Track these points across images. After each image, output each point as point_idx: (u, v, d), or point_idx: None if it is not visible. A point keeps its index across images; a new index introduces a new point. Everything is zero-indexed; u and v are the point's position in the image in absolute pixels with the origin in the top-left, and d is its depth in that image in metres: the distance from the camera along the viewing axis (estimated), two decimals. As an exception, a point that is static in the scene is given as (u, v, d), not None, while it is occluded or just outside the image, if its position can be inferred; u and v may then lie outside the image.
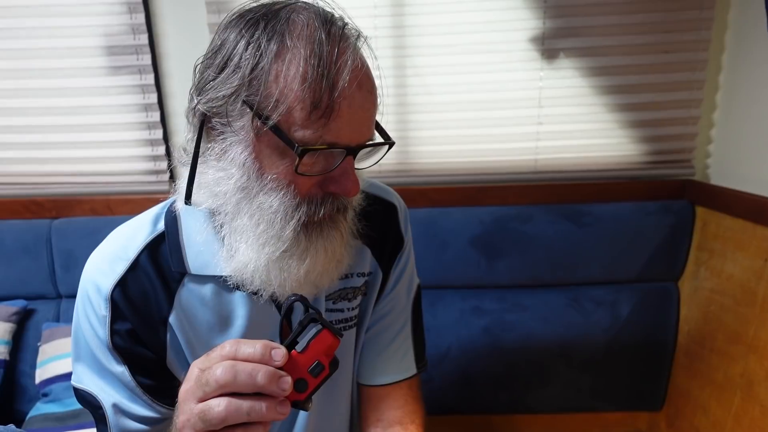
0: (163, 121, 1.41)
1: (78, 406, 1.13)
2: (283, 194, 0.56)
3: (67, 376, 1.27)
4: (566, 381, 1.32)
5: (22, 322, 1.37)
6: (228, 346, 0.48)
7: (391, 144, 0.61)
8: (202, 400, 0.47)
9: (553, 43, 1.33)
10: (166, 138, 1.42)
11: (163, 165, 1.43)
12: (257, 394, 0.46)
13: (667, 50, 1.33)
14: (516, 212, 1.33)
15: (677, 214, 1.31)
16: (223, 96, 0.55)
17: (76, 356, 0.66)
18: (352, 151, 0.56)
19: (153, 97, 1.38)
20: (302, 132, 0.53)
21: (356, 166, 0.59)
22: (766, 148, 1.16)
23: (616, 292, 1.32)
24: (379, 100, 0.59)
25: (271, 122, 0.53)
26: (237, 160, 0.56)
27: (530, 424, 1.39)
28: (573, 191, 1.35)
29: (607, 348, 1.31)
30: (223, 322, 0.66)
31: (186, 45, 1.37)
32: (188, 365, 0.65)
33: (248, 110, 0.54)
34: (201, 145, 0.59)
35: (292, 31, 0.53)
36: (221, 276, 0.63)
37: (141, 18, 1.34)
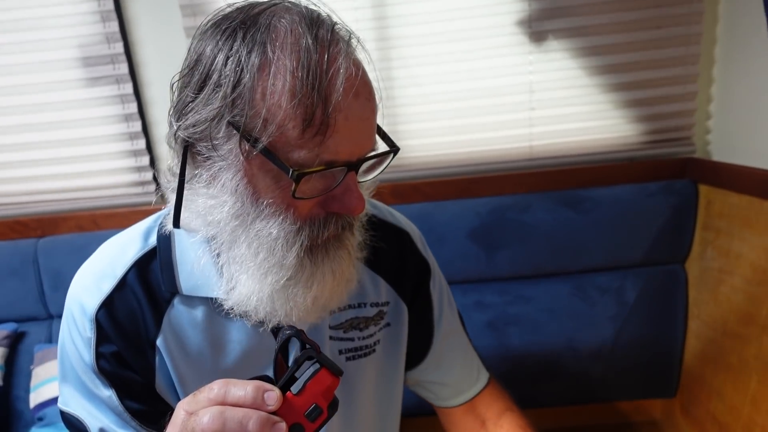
0: (146, 130, 1.38)
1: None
2: (282, 219, 0.51)
3: (62, 399, 1.23)
4: (575, 373, 1.28)
5: (14, 345, 1.33)
6: (216, 388, 0.44)
7: (396, 150, 0.56)
8: None
9: (541, 25, 1.29)
10: (149, 148, 1.38)
11: (149, 175, 1.39)
12: None
13: (660, 26, 1.28)
14: (513, 201, 1.28)
15: (680, 194, 1.27)
16: (206, 119, 0.49)
17: (62, 377, 0.63)
18: (354, 166, 0.51)
19: (133, 107, 1.34)
20: (297, 153, 0.48)
21: (359, 179, 0.54)
22: (764, 118, 1.11)
23: (621, 278, 1.28)
24: (378, 103, 0.54)
25: (260, 145, 0.48)
26: (228, 186, 0.51)
27: (540, 418, 1.34)
28: (571, 176, 1.31)
29: (616, 336, 1.27)
30: (215, 347, 0.62)
31: (163, 51, 1.33)
32: (177, 390, 0.63)
33: (235, 132, 0.49)
34: (187, 171, 0.54)
35: (275, 39, 0.48)
36: (214, 299, 0.59)
37: (115, 26, 1.30)
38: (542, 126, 1.34)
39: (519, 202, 1.28)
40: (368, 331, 0.70)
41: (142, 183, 1.40)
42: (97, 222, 1.37)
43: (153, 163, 1.39)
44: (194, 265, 0.59)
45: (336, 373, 0.46)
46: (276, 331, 0.63)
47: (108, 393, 0.60)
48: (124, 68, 1.32)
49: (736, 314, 1.11)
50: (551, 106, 1.33)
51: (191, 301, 0.61)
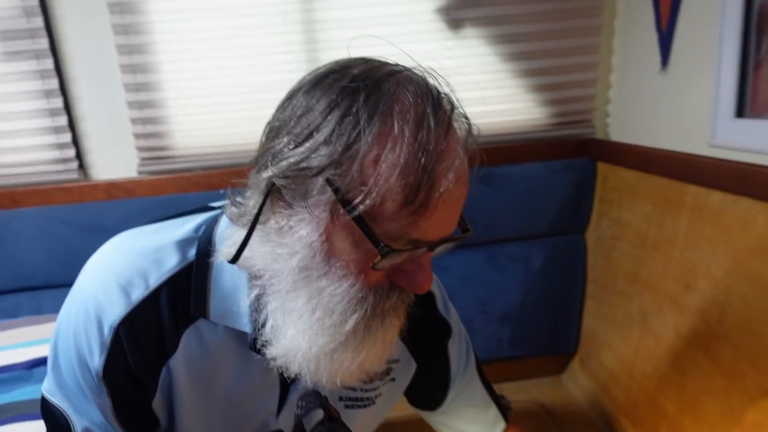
0: (68, 107, 1.36)
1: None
2: (350, 284, 0.50)
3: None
4: (487, 334, 1.40)
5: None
6: None
7: (470, 234, 0.56)
8: None
9: (458, 14, 1.38)
10: (72, 125, 1.37)
11: (71, 152, 1.37)
12: None
13: (564, 17, 1.40)
14: (432, 178, 1.37)
15: (580, 171, 1.41)
16: (303, 168, 0.47)
17: (55, 366, 0.60)
18: (433, 247, 0.51)
19: (54, 83, 1.32)
20: (387, 225, 0.47)
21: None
22: (656, 103, 1.26)
23: (528, 247, 1.41)
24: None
25: (356, 212, 0.46)
26: (305, 239, 0.49)
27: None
28: (485, 155, 1.41)
29: (523, 300, 1.40)
30: (228, 376, 0.62)
31: (86, 26, 1.31)
32: (173, 409, 0.62)
33: (329, 191, 0.47)
34: (262, 212, 0.52)
35: (399, 110, 0.46)
36: (239, 330, 0.59)
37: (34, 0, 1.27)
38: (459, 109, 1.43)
39: (438, 178, 1.37)
40: (372, 385, 0.70)
41: (64, 160, 1.38)
42: (16, 199, 1.34)
43: (76, 141, 1.37)
44: (228, 294, 0.58)
45: None
46: (289, 378, 0.60)
47: (104, 400, 0.58)
48: (44, 43, 1.30)
49: (623, 275, 1.26)
50: (468, 90, 1.43)
51: (215, 327, 0.59)
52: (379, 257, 0.47)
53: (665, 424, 1.08)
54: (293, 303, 0.52)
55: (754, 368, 0.88)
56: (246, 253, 0.53)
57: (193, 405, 0.62)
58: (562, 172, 1.40)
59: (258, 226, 0.52)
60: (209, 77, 1.35)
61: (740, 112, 1.02)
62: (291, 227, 0.50)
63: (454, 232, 0.53)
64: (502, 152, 1.43)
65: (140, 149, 1.37)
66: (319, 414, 0.48)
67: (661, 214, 1.14)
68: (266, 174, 0.50)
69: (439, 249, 0.53)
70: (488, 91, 1.43)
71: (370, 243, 0.47)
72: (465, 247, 1.41)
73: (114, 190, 1.35)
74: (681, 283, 1.06)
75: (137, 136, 1.36)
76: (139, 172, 1.38)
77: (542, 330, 1.44)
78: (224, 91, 1.36)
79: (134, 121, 1.34)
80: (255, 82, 1.36)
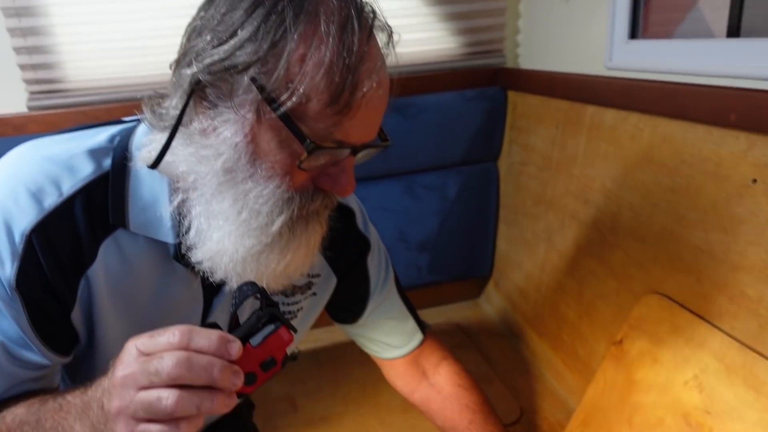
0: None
1: None
2: (276, 185, 0.51)
3: None
4: (407, 262, 1.44)
5: None
6: (179, 334, 0.43)
7: (389, 145, 0.58)
8: (146, 388, 0.43)
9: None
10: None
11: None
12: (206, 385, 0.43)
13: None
14: (347, 109, 1.36)
15: (492, 99, 1.44)
16: (228, 67, 0.47)
17: None
18: (357, 151, 0.52)
19: None
20: (313, 125, 0.48)
21: None
22: (561, 31, 1.29)
23: (444, 176, 1.44)
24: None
25: (282, 109, 0.47)
26: (229, 140, 0.50)
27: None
28: (399, 85, 1.41)
29: (440, 228, 1.44)
30: (146, 288, 0.61)
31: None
32: (93, 322, 0.60)
33: (255, 89, 0.48)
34: (186, 113, 0.51)
35: (325, 11, 0.47)
36: (160, 241, 0.58)
37: None
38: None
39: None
40: (294, 299, 0.72)
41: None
42: None
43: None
44: (148, 204, 0.57)
45: (292, 331, 0.48)
46: (216, 286, 0.62)
47: (18, 310, 0.56)
48: None
49: (531, 197, 1.33)
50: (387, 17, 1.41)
51: (135, 238, 0.58)
52: (305, 154, 0.48)
53: (566, 330, 1.17)
54: (218, 206, 0.52)
55: (641, 270, 0.96)
56: (168, 157, 0.53)
57: (114, 319, 0.61)
58: (475, 101, 1.43)
59: (180, 129, 0.52)
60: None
61: (633, 34, 1.08)
62: (215, 128, 0.50)
63: (375, 140, 0.55)
64: (415, 82, 1.43)
65: (28, 82, 1.25)
66: (254, 305, 0.49)
67: (563, 136, 1.20)
68: (189, 71, 0.49)
69: (361, 155, 0.54)
70: (400, 20, 1.41)
71: (296, 143, 0.48)
72: (382, 177, 1.42)
73: (1, 126, 1.24)
74: (580, 199, 1.13)
75: (23, 67, 1.24)
76: (30, 108, 1.27)
77: (459, 256, 1.49)
78: (123, 17, 1.24)
79: (18, 50, 1.23)
80: (158, 6, 1.26)
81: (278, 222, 0.52)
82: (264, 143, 0.50)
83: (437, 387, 0.88)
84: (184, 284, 0.62)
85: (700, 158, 0.84)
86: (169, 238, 0.58)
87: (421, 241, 1.43)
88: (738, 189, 0.77)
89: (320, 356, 1.38)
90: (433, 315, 1.54)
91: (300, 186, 0.52)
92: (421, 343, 0.89)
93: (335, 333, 1.43)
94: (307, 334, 1.46)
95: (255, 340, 0.46)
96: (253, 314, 0.47)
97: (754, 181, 0.75)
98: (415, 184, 1.43)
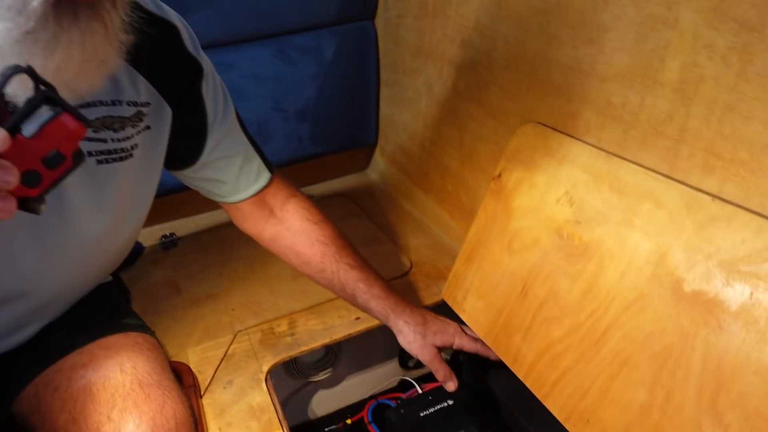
0: None
1: None
2: None
3: None
4: (287, 133, 1.34)
5: None
6: None
7: None
8: None
9: None
10: None
11: None
12: None
13: None
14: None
15: (363, -51, 1.31)
16: None
17: None
18: None
19: None
20: None
21: None
22: None
23: (318, 37, 1.32)
24: None
25: None
26: None
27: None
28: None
29: (319, 94, 1.35)
30: None
31: None
32: None
33: None
34: None
35: None
36: None
37: None
38: None
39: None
40: (124, 133, 0.65)
41: None
42: None
43: None
44: None
45: (84, 121, 0.39)
46: None
47: None
48: None
49: (410, 52, 1.26)
50: None
51: None
52: None
53: (450, 180, 1.17)
54: None
55: (516, 103, 0.95)
56: None
57: None
58: (345, -49, 1.29)
59: None
60: None
61: None
62: None
63: None
64: (277, -72, 1.26)
65: None
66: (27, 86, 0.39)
67: (438, -24, 1.12)
68: None
69: None
70: None
71: None
72: (249, 40, 1.28)
73: None
74: (456, 42, 1.08)
75: None
76: None
77: (342, 124, 1.42)
78: None
79: None
80: None
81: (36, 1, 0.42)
82: None
83: (286, 224, 0.87)
84: None
85: (568, -29, 0.80)
86: None
87: (299, 109, 1.34)
88: (604, -5, 0.75)
89: (203, 240, 1.30)
90: (320, 189, 1.49)
91: None
92: (269, 183, 0.85)
93: (218, 215, 1.35)
94: (187, 221, 1.37)
95: (28, 130, 0.38)
96: (27, 101, 0.38)
97: (619, -17, 0.72)
98: (287, 47, 1.30)
